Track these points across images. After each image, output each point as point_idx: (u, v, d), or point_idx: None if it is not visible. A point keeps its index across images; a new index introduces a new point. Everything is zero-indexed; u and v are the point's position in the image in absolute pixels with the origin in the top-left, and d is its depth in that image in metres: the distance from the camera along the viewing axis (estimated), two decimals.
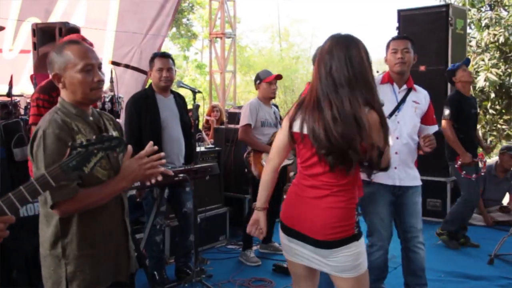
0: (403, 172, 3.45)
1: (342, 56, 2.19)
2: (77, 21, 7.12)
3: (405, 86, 3.51)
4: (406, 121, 3.45)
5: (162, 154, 2.10)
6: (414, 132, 3.50)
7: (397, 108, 3.45)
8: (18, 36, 7.07)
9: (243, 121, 4.71)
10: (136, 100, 4.04)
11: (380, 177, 3.36)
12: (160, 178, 2.11)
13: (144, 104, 3.99)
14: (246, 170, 4.69)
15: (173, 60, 4.11)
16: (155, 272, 4.06)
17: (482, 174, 5.19)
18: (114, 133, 2.18)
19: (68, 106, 2.06)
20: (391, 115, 3.41)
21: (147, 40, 7.76)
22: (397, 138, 3.41)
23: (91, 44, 3.35)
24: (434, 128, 3.64)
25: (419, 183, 3.55)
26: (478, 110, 9.52)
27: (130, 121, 3.99)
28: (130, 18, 7.78)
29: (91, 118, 2.12)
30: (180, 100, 4.20)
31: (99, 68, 2.09)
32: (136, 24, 7.74)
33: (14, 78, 4.99)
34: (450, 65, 5.58)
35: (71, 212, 1.98)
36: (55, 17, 7.28)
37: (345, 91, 2.17)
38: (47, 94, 3.24)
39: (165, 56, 4.09)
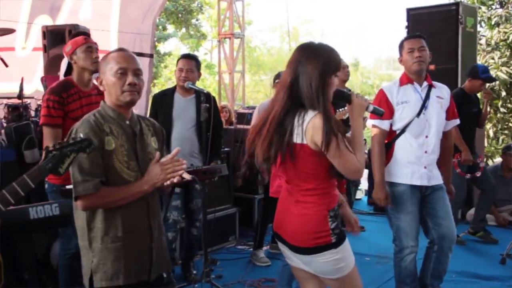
0: (431, 171, 3.41)
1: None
2: (84, 15, 7.20)
3: (425, 83, 3.48)
4: (434, 118, 3.40)
5: (184, 162, 2.19)
6: (441, 128, 3.47)
7: (423, 106, 3.39)
8: (30, 34, 7.08)
9: None
10: (155, 97, 4.30)
11: (407, 178, 3.35)
12: (175, 180, 2.19)
13: (160, 101, 4.20)
14: (258, 177, 4.69)
15: (198, 62, 4.26)
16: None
17: (477, 175, 5.12)
18: (152, 139, 2.31)
19: (107, 109, 2.21)
20: (418, 114, 3.37)
21: (144, 23, 7.69)
22: (426, 137, 3.39)
23: (95, 44, 3.40)
24: (456, 121, 3.63)
25: (442, 181, 3.50)
26: (489, 109, 9.49)
27: (149, 116, 4.05)
28: (130, 5, 7.76)
29: (127, 122, 2.22)
30: (203, 100, 4.12)
31: (136, 74, 2.19)
32: (136, 11, 7.70)
33: (28, 76, 5.00)
34: (478, 62, 5.50)
35: (92, 207, 2.10)
36: (63, 14, 7.29)
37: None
38: (57, 95, 3.24)
39: (188, 57, 4.26)
